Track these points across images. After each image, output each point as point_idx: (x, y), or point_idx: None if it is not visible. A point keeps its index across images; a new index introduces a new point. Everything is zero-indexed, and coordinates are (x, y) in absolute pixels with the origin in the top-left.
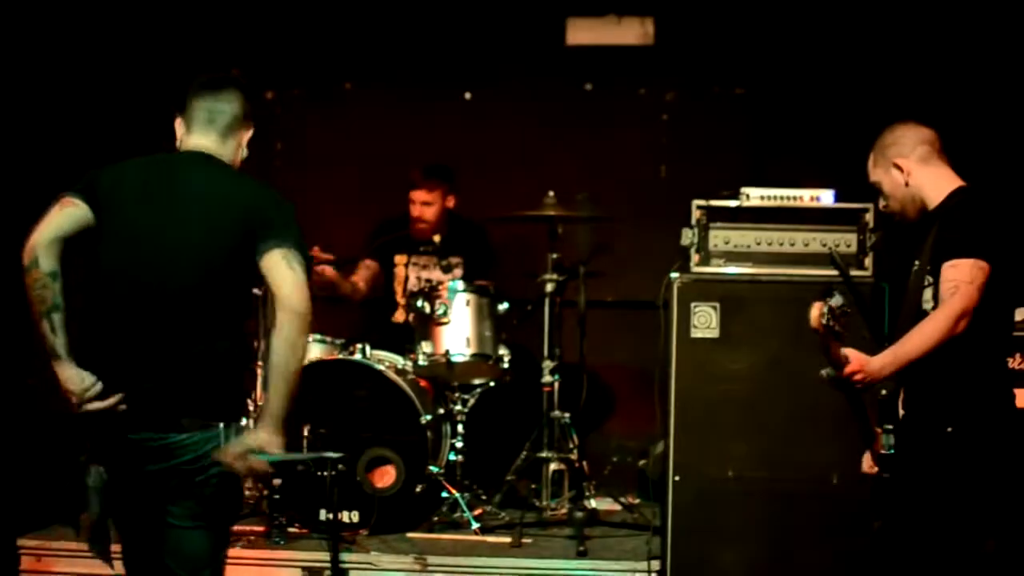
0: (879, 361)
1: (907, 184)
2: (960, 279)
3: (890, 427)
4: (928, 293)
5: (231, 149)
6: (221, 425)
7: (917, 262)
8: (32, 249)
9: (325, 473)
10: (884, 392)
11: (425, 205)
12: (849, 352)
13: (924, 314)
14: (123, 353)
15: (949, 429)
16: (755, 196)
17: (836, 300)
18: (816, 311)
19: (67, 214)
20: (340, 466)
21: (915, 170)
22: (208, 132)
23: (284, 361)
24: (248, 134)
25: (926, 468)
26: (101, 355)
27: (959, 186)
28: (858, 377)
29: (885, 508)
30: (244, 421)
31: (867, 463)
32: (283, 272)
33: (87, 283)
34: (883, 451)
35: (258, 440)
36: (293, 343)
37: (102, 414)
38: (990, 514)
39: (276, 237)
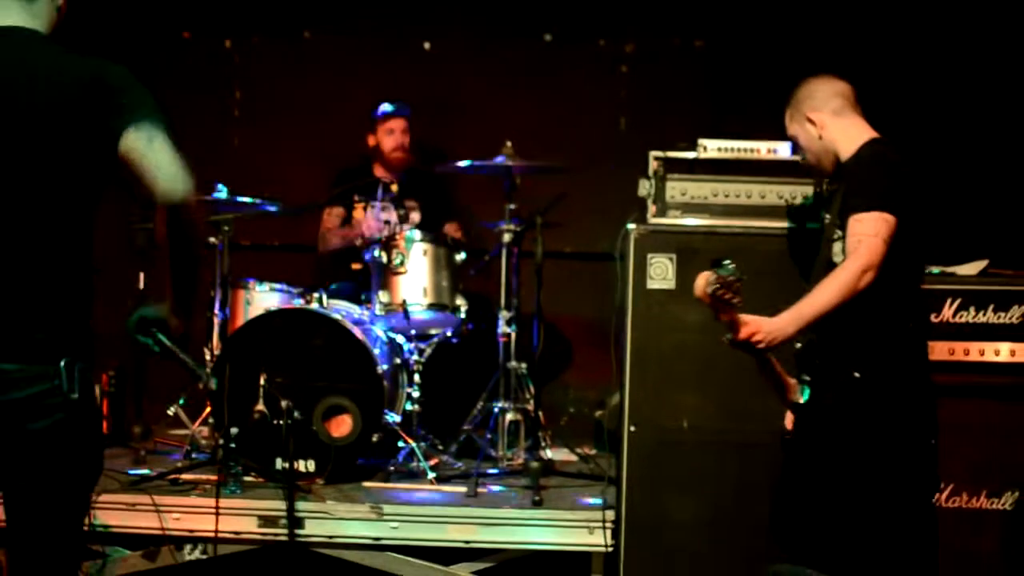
0: (781, 320)
1: (820, 137)
2: (864, 232)
3: (807, 378)
4: (838, 247)
5: (43, 10)
6: (63, 363)
7: (828, 216)
8: None
9: (282, 422)
10: (798, 345)
11: (404, 133)
12: (743, 317)
13: (834, 267)
14: None
15: (856, 375)
16: (712, 148)
17: (725, 270)
18: (702, 281)
19: None
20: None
21: (828, 123)
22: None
23: (182, 257)
24: None
25: (834, 414)
26: None
27: (870, 137)
28: (757, 338)
29: (794, 455)
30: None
31: (789, 420)
32: (149, 152)
33: None
34: (798, 400)
35: (160, 312)
36: (193, 237)
37: None
38: (896, 460)
39: (130, 115)
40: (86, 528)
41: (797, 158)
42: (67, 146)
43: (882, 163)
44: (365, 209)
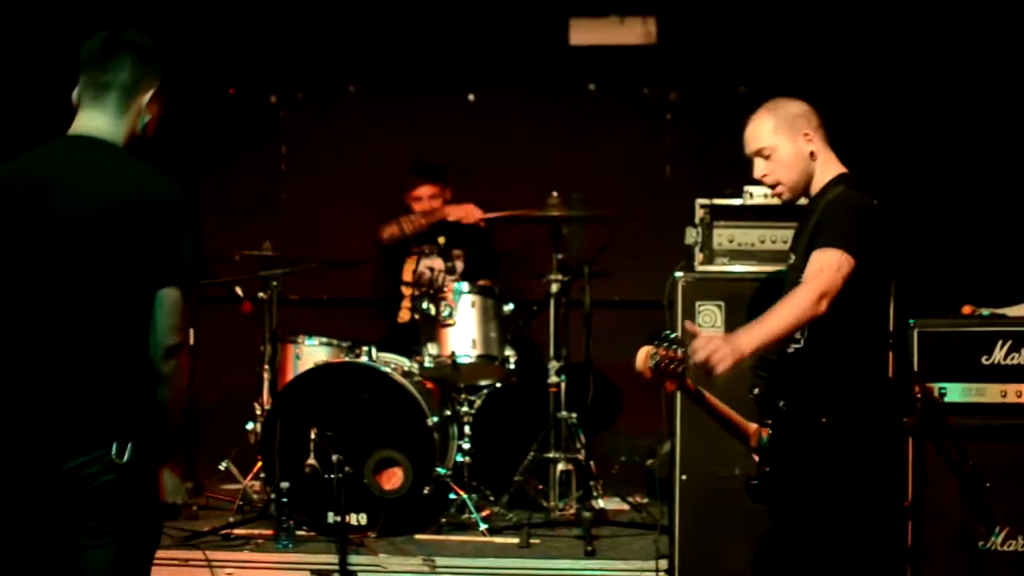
0: (738, 339)
1: (812, 156)
2: (827, 263)
3: (768, 422)
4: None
5: (126, 123)
6: (115, 444)
7: (794, 255)
8: None
9: (333, 476)
10: (756, 391)
11: (433, 199)
12: (699, 338)
13: None
14: (12, 357)
15: (824, 420)
16: (758, 194)
17: (665, 343)
18: (642, 356)
19: None
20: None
21: (819, 148)
22: (97, 110)
23: (174, 406)
24: (145, 98)
25: (802, 458)
26: None
27: (840, 172)
28: (715, 359)
29: (768, 501)
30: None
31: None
32: (162, 320)
33: None
34: (758, 445)
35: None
36: (177, 389)
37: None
38: (862, 503)
39: (169, 261)
40: None
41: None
42: (114, 255)
43: (857, 208)
44: (418, 259)
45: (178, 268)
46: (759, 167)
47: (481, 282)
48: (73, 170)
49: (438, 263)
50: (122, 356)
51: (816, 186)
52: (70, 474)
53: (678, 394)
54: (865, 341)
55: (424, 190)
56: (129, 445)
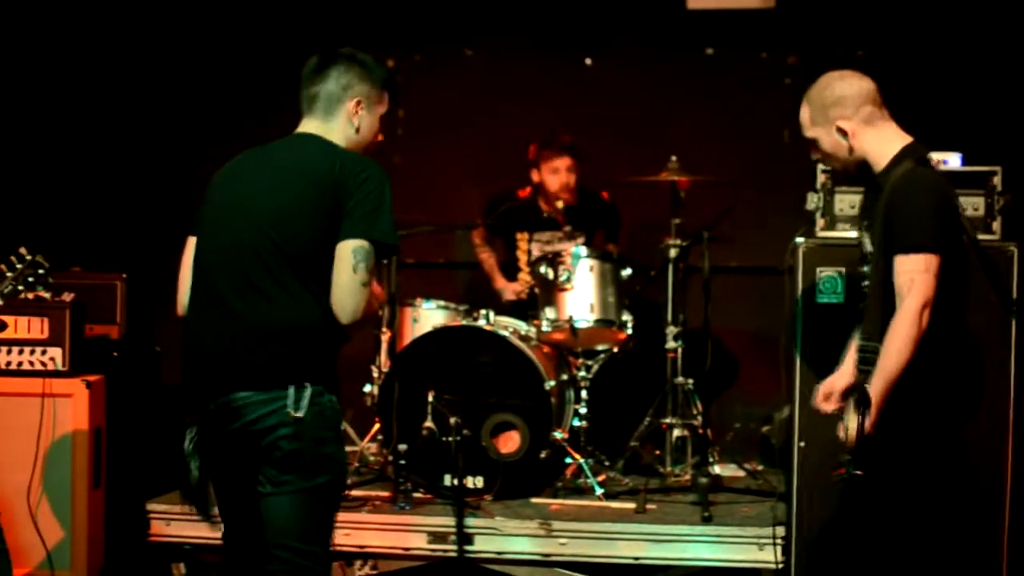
0: (874, 391)
1: (851, 149)
2: (915, 269)
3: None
4: (869, 279)
5: (338, 127)
6: (292, 388)
7: (868, 236)
8: (181, 308)
9: (450, 439)
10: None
11: (570, 171)
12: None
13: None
14: (204, 316)
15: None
16: None
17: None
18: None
19: (189, 255)
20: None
21: (860, 132)
22: (311, 117)
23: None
24: (351, 104)
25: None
26: (192, 320)
27: (904, 145)
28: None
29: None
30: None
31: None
32: (341, 272)
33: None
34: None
35: None
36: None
37: (193, 376)
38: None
39: (355, 223)
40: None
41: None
42: (308, 223)
43: (930, 194)
44: (529, 241)
45: (367, 232)
46: (813, 153)
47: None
48: (287, 153)
49: (556, 246)
50: (304, 312)
51: (879, 160)
52: (252, 424)
53: (797, 360)
54: (949, 326)
55: (563, 161)
56: (305, 397)
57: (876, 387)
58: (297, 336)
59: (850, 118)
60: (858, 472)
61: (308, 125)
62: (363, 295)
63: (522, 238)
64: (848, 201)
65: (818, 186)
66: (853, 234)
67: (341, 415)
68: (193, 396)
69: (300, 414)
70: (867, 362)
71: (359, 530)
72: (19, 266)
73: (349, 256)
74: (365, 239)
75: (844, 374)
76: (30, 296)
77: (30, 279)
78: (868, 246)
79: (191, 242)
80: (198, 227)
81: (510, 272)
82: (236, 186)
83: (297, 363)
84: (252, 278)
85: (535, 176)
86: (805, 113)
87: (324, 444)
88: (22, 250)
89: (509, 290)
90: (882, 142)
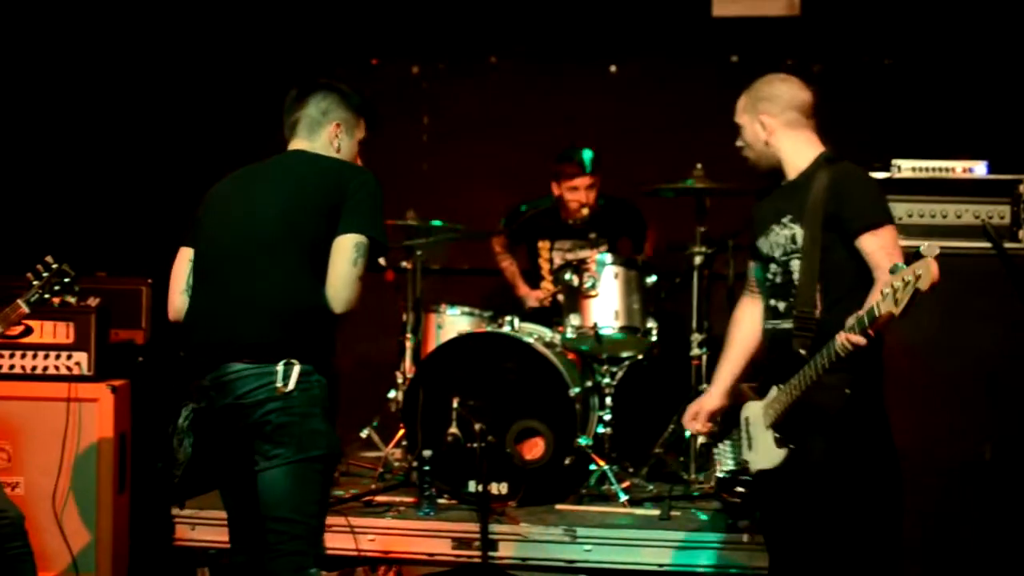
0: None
1: (767, 143)
2: (887, 245)
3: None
4: (797, 263)
5: (322, 147)
6: (282, 364)
7: (782, 228)
8: (174, 311)
9: (475, 445)
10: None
11: (589, 189)
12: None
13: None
14: (205, 299)
15: (847, 391)
16: (907, 168)
17: None
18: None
19: (181, 262)
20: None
21: (778, 132)
22: (297, 139)
23: None
24: (331, 127)
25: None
26: (192, 310)
27: (821, 152)
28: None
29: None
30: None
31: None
32: (340, 263)
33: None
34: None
35: None
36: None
37: (190, 352)
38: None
39: (355, 220)
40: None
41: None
42: (310, 216)
43: (872, 179)
44: (551, 249)
45: (365, 229)
46: (738, 140)
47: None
48: (290, 163)
49: (579, 253)
50: (299, 298)
51: (793, 162)
52: (242, 398)
53: None
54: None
55: (582, 180)
56: (294, 374)
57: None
58: (291, 315)
59: (774, 116)
60: (791, 446)
61: (296, 144)
62: (358, 287)
63: (544, 246)
64: None
65: None
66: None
67: (329, 398)
68: (190, 372)
69: (288, 389)
70: (805, 328)
71: (383, 535)
72: (45, 274)
73: (350, 249)
74: (364, 235)
75: (714, 396)
76: (55, 302)
77: (56, 287)
78: (799, 238)
79: (183, 252)
80: (194, 237)
81: (532, 280)
82: (238, 194)
83: (289, 341)
84: (256, 264)
85: (555, 189)
86: (741, 100)
87: (312, 419)
88: (48, 258)
89: (532, 297)
90: (798, 147)
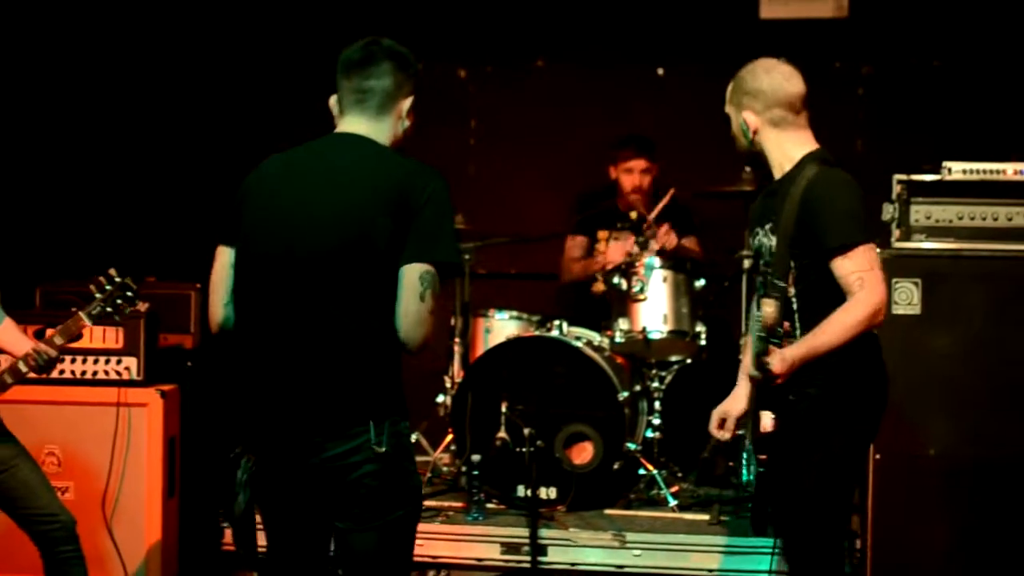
0: (791, 352)
1: (751, 141)
2: (861, 267)
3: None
4: (769, 276)
5: (387, 127)
6: (372, 423)
7: (764, 236)
8: (216, 324)
9: (524, 449)
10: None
11: (644, 173)
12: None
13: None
14: (265, 341)
15: (812, 391)
16: (957, 170)
17: None
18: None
19: (222, 267)
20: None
21: (762, 130)
22: (360, 115)
23: None
24: (405, 104)
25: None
26: (250, 344)
27: (809, 151)
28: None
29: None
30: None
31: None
32: (409, 301)
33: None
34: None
35: None
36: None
37: (260, 409)
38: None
39: (420, 245)
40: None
41: None
42: (378, 227)
43: (849, 191)
44: (608, 239)
45: (431, 254)
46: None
47: (686, 240)
48: (340, 158)
49: (630, 241)
50: (374, 337)
51: (779, 163)
52: (334, 461)
53: None
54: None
55: (638, 163)
56: (386, 430)
57: (795, 353)
58: (371, 367)
59: (758, 113)
60: (762, 456)
61: (355, 124)
62: (430, 323)
63: (603, 236)
64: (924, 212)
65: (893, 197)
66: (929, 245)
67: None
68: (258, 428)
69: (384, 449)
70: (772, 339)
71: (432, 540)
72: (108, 287)
73: (416, 283)
74: (431, 263)
75: (738, 399)
76: (117, 319)
77: (118, 301)
78: (773, 251)
79: (223, 252)
80: (233, 236)
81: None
82: (284, 192)
83: (374, 396)
84: (312, 297)
85: (612, 173)
86: (729, 87)
87: (409, 476)
88: (112, 271)
89: (614, 251)
90: (782, 146)
